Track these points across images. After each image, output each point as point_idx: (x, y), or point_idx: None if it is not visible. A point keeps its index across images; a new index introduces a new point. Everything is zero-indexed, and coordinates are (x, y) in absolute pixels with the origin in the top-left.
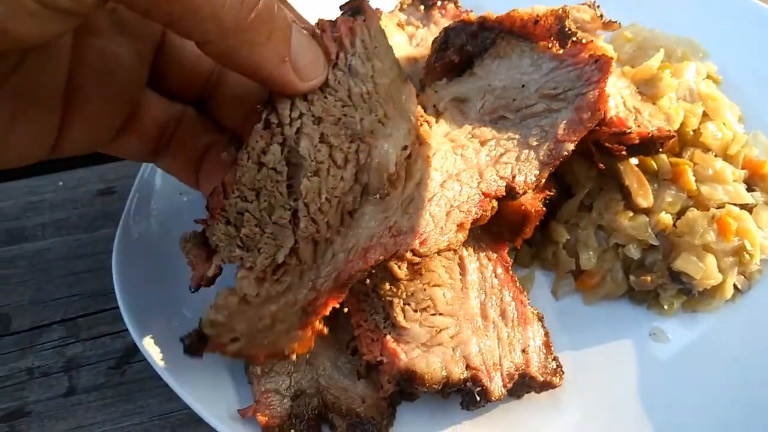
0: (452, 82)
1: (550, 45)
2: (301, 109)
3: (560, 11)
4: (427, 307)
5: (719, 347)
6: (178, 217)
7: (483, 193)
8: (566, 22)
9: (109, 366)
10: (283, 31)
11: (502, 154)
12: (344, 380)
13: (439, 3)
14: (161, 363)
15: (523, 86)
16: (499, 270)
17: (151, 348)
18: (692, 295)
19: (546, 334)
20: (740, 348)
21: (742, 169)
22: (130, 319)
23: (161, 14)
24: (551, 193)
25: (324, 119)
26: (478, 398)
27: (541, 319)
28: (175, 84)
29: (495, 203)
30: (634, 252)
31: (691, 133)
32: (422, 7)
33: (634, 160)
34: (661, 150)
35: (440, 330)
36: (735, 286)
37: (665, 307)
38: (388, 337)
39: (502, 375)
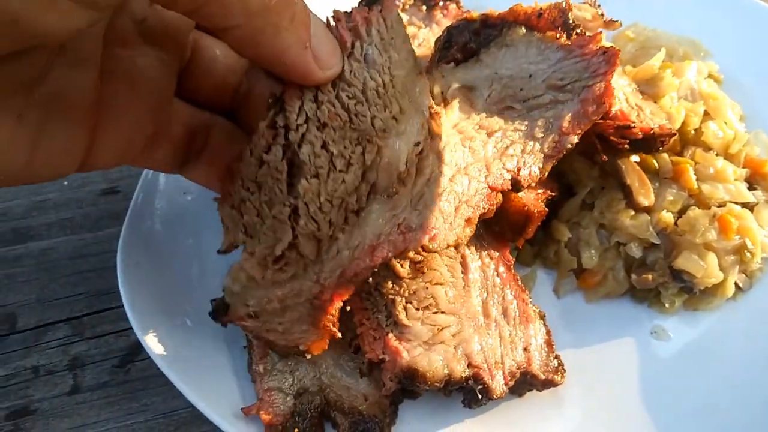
0: (459, 67)
1: (558, 35)
2: (308, 113)
3: (563, 3)
4: (429, 305)
5: (720, 345)
6: (182, 217)
7: (490, 187)
8: (569, 15)
9: (113, 364)
10: (305, 16)
11: (508, 146)
12: (347, 378)
13: (440, 3)
14: (165, 361)
15: (530, 76)
16: (501, 268)
17: (155, 346)
18: (693, 294)
19: (548, 332)
20: (741, 346)
21: (744, 167)
22: (134, 317)
23: (186, 1)
24: (553, 194)
25: (329, 125)
26: (479, 396)
27: (542, 317)
28: (204, 97)
29: (500, 196)
30: (635, 250)
31: (693, 132)
32: (424, 7)
33: (635, 158)
34: (662, 148)
35: (442, 328)
36: (736, 284)
37: (666, 305)
38: (390, 335)
39: (503, 373)
